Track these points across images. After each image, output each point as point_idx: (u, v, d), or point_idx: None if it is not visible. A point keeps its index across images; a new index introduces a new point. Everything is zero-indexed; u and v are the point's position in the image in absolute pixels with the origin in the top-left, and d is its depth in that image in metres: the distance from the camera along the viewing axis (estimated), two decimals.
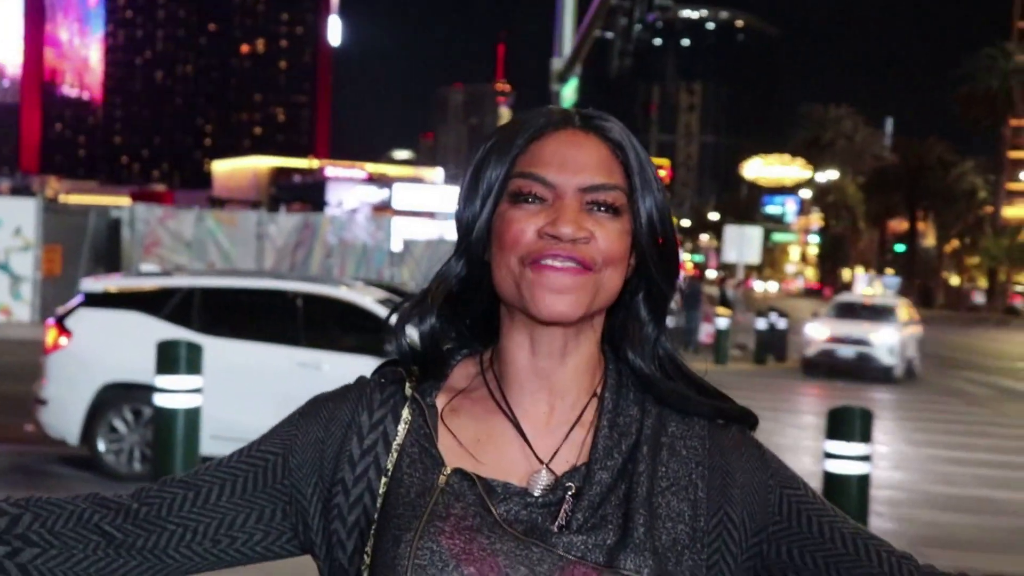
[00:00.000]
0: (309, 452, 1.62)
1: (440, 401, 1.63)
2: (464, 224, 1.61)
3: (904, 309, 31.03)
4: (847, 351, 27.81)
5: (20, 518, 1.56)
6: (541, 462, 1.56)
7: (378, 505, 1.55)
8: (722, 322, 30.88)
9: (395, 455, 1.57)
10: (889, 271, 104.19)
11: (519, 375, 1.60)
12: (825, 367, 28.18)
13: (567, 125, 1.59)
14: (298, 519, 1.62)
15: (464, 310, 1.66)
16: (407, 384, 1.63)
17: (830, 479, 8.53)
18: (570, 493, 1.52)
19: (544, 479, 1.54)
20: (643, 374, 1.63)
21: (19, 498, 1.61)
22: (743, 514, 1.58)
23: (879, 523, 10.22)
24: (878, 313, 29.49)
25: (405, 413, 1.60)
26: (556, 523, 1.50)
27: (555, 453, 1.57)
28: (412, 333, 1.64)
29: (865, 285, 49.74)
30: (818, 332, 28.98)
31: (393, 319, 1.66)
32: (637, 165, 1.58)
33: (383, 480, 1.56)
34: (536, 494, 1.53)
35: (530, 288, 1.51)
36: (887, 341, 27.68)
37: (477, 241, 1.59)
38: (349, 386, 1.68)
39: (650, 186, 1.59)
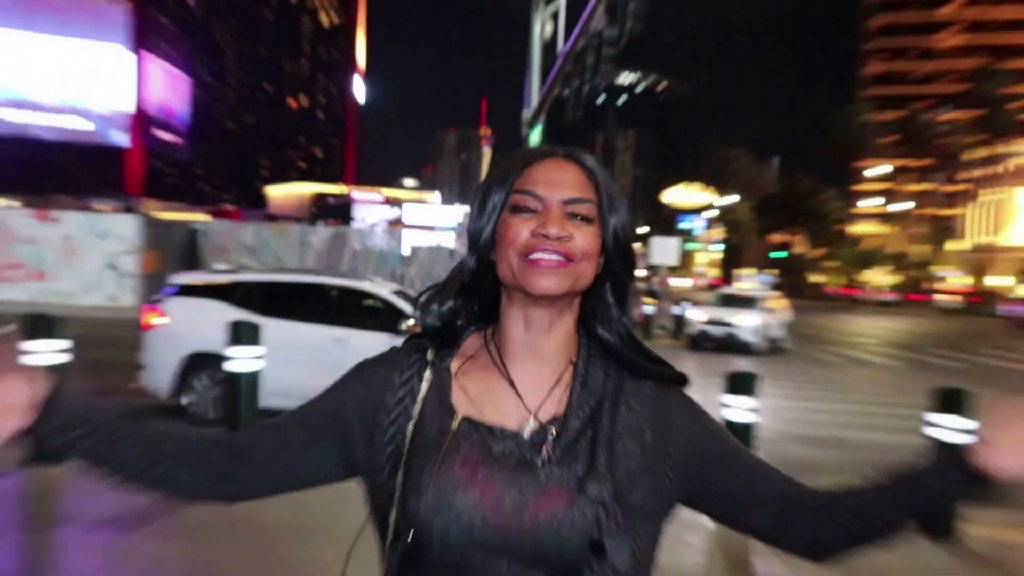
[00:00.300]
0: (356, 403, 1.69)
1: (453, 365, 1.70)
2: (475, 232, 1.67)
3: (773, 299, 31.30)
4: (718, 331, 28.07)
5: (161, 443, 1.64)
6: (530, 412, 1.63)
7: (407, 442, 1.61)
8: (649, 308, 31.32)
9: (420, 405, 1.64)
10: (771, 271, 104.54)
11: (515, 346, 1.66)
12: (702, 343, 28.38)
13: (553, 156, 1.67)
14: (348, 452, 1.69)
15: (473, 297, 1.71)
16: (429, 352, 1.70)
17: (728, 426, 8.54)
18: (551, 436, 1.60)
19: (532, 425, 1.62)
20: (609, 344, 1.71)
21: (156, 429, 1.67)
22: (679, 452, 1.67)
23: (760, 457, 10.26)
24: (746, 302, 29.68)
25: (427, 374, 1.67)
26: (540, 458, 1.57)
27: (540, 406, 1.64)
28: (432, 315, 1.70)
29: (744, 281, 49.57)
30: (697, 316, 29.15)
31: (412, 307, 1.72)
32: (605, 186, 1.66)
33: (411, 424, 1.63)
34: (525, 436, 1.61)
35: (526, 272, 1.59)
36: (748, 323, 27.97)
37: (485, 245, 1.66)
38: (385, 354, 1.74)
39: (615, 204, 1.67)
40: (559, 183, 1.62)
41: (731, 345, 27.84)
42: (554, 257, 1.58)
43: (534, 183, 1.62)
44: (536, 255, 1.59)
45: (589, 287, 1.68)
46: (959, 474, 1.56)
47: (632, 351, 1.71)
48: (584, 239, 1.61)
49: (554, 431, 1.60)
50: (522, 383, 1.66)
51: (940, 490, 1.57)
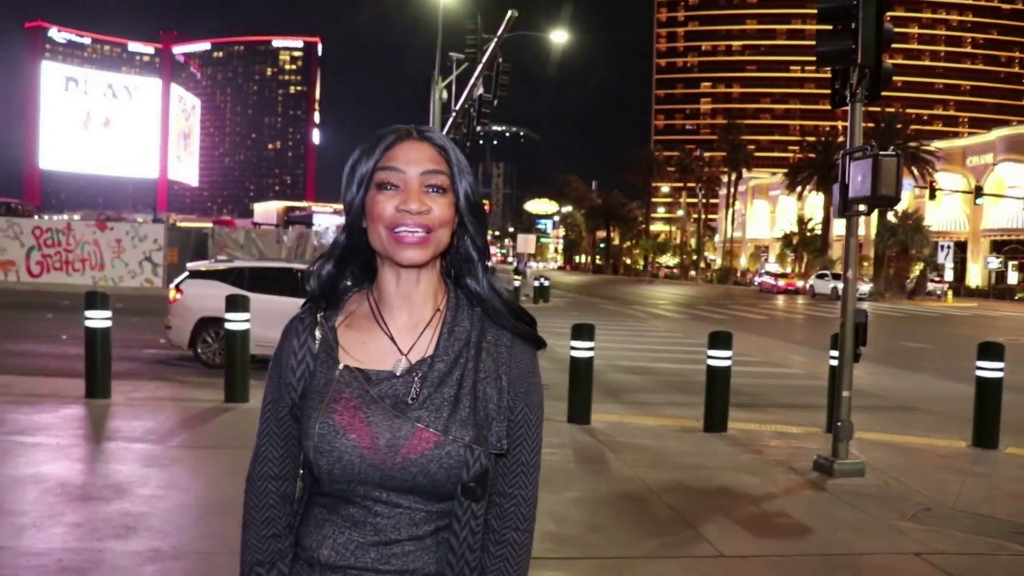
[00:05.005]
0: (287, 378, 1.42)
1: (338, 321, 1.43)
2: (347, 204, 1.41)
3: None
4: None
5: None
6: (402, 353, 1.39)
7: (301, 394, 1.41)
8: (516, 282, 31.81)
9: (313, 361, 1.41)
10: (598, 259, 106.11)
11: (389, 298, 1.40)
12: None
13: (409, 137, 1.40)
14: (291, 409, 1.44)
15: (352, 261, 1.46)
16: (318, 314, 1.44)
17: (574, 360, 8.55)
18: (417, 376, 1.37)
19: (403, 364, 1.38)
20: (475, 292, 1.45)
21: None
22: (512, 394, 1.41)
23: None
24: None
25: (318, 333, 1.42)
26: (410, 396, 1.36)
27: (412, 347, 1.40)
28: (315, 281, 1.46)
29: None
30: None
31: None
32: (455, 158, 1.41)
33: (306, 377, 1.41)
34: (398, 374, 1.37)
35: (393, 246, 1.36)
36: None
37: (355, 215, 1.40)
38: (286, 328, 1.48)
39: (464, 172, 1.42)
40: (416, 158, 1.38)
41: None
42: (417, 232, 1.35)
43: (395, 160, 1.38)
44: (400, 230, 1.35)
45: (450, 243, 1.44)
46: None
47: (497, 301, 1.46)
48: (440, 209, 1.37)
49: (422, 371, 1.38)
50: (395, 328, 1.41)
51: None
